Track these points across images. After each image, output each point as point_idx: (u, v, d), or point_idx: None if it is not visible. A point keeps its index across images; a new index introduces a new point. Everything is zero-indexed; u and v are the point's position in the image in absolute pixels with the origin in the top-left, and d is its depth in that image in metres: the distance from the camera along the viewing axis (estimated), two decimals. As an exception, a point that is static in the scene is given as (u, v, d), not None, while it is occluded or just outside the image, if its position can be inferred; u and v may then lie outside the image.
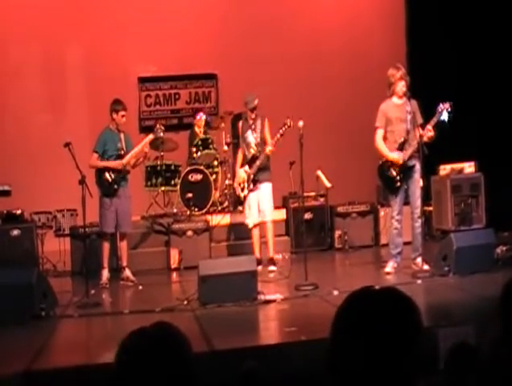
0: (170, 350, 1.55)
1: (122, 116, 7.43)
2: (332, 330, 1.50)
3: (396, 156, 6.93)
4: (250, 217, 7.80)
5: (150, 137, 7.62)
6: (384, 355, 1.42)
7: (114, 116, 7.41)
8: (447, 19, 9.83)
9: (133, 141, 7.64)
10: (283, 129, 7.29)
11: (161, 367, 1.51)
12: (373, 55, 10.98)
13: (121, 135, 7.51)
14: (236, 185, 7.91)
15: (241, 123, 7.90)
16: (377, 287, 1.54)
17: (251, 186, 7.70)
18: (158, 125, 7.84)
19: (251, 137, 7.75)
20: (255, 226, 7.83)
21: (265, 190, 7.75)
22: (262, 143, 7.72)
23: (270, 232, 7.82)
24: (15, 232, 8.03)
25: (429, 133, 6.76)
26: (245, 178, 7.73)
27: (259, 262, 7.37)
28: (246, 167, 7.76)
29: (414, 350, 1.45)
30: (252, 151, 7.72)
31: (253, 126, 7.74)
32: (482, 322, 4.42)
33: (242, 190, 7.77)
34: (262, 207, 7.76)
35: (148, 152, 7.83)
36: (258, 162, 7.65)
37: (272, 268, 7.70)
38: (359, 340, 1.43)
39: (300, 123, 6.99)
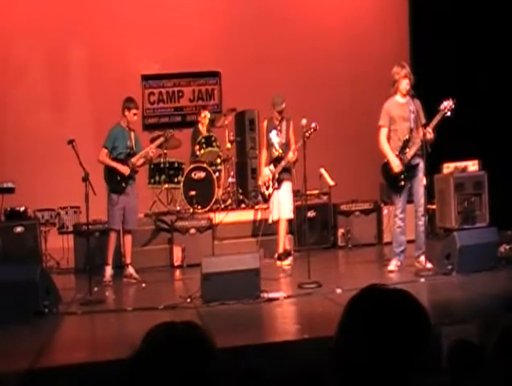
0: (197, 349, 1.48)
1: (134, 114, 7.46)
2: (339, 326, 1.49)
3: (396, 163, 6.89)
4: (274, 213, 8.00)
5: (161, 140, 7.79)
6: (389, 354, 1.41)
7: (126, 113, 7.41)
8: (450, 18, 9.81)
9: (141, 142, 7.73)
10: (308, 132, 7.22)
11: (184, 364, 1.44)
12: (375, 54, 10.97)
13: (132, 134, 7.53)
14: (261, 183, 8.09)
15: (265, 123, 8.04)
16: (386, 286, 1.53)
17: (276, 184, 7.88)
18: (168, 130, 8.11)
19: (276, 138, 7.89)
20: (273, 222, 8.06)
21: (285, 188, 7.91)
22: (287, 144, 7.85)
23: (284, 229, 8.02)
24: (19, 229, 8.05)
25: (428, 135, 6.71)
26: (271, 176, 7.90)
27: (289, 253, 7.99)
28: (271, 166, 7.92)
29: (421, 351, 1.43)
30: (275, 153, 7.89)
31: (278, 127, 7.88)
32: (485, 321, 4.41)
33: (267, 188, 7.94)
34: (281, 204, 7.90)
35: (155, 153, 7.98)
36: (283, 163, 7.80)
37: (287, 261, 7.95)
38: (366, 338, 1.43)
39: (303, 121, 7.03)
